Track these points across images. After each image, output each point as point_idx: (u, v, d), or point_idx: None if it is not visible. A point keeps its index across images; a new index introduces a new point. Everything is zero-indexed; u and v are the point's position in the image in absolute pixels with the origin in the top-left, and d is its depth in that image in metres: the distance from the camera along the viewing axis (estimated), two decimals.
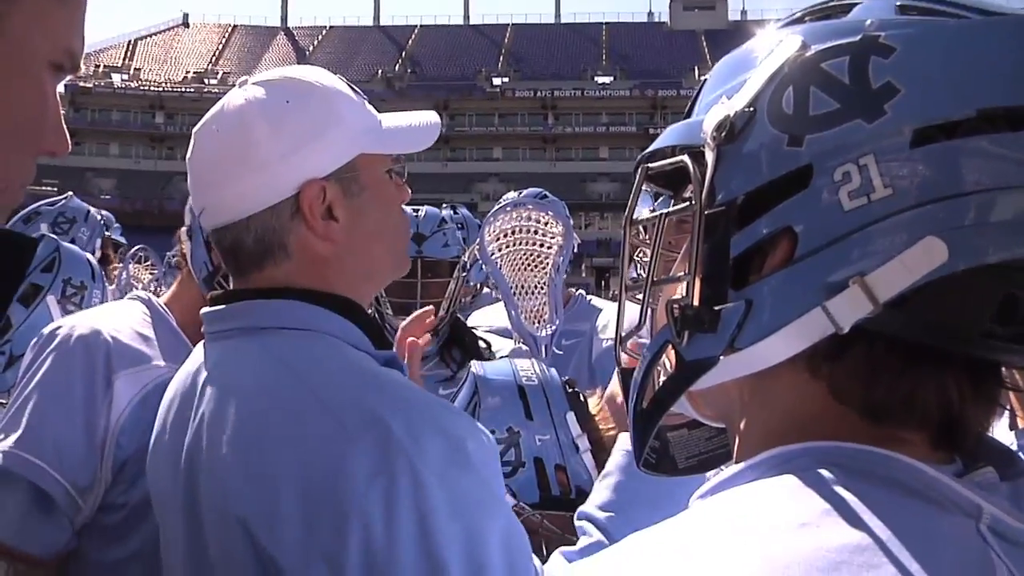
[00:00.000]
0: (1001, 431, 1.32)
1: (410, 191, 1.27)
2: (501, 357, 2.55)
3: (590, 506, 1.23)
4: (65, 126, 0.88)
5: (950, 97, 0.57)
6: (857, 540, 0.54)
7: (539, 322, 2.02)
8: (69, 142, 0.88)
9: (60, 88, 0.88)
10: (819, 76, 0.61)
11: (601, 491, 1.23)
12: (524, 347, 2.11)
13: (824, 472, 0.59)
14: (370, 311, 1.27)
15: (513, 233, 2.09)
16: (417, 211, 2.54)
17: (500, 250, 2.07)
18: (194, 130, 1.20)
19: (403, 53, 74.20)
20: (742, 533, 0.56)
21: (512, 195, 3.46)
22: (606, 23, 78.73)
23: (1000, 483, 0.63)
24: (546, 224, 2.11)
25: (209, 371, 1.11)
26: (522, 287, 2.08)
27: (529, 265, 2.10)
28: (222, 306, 1.16)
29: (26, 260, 0.83)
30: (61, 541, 1.64)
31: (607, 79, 69.15)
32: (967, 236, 0.56)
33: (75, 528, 1.69)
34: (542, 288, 2.06)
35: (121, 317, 1.84)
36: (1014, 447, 1.21)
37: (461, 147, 63.96)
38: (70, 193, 3.64)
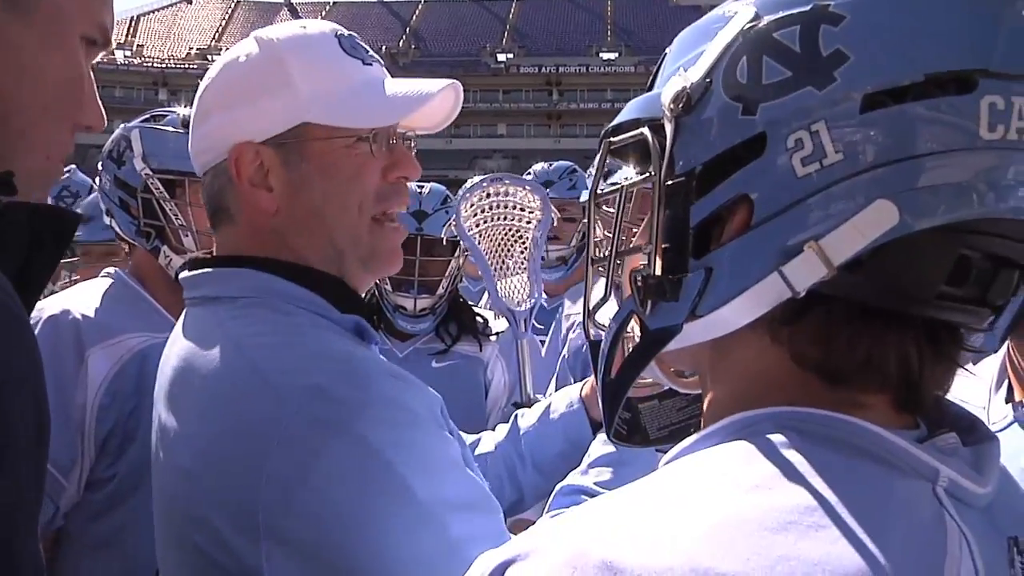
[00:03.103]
0: (998, 404, 1.32)
1: (411, 167, 1.15)
2: (497, 333, 2.56)
3: (588, 480, 1.22)
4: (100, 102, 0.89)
5: (898, 63, 0.58)
6: (808, 501, 0.55)
7: (519, 297, 2.01)
8: (105, 117, 0.90)
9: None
10: (771, 45, 0.62)
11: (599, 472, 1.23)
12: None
13: (781, 436, 0.60)
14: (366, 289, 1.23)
15: (491, 208, 2.09)
16: (421, 188, 2.51)
17: (477, 226, 2.06)
18: None
19: (407, 29, 73.75)
20: (699, 495, 0.58)
21: (541, 167, 3.44)
22: None
23: (962, 447, 0.64)
24: (523, 198, 2.10)
25: (177, 339, 1.12)
26: (501, 262, 2.08)
27: (508, 240, 2.09)
28: (192, 272, 1.15)
29: (69, 233, 0.84)
30: (42, 521, 1.66)
31: (612, 55, 68.71)
32: (916, 198, 0.57)
33: (62, 508, 1.71)
34: (521, 263, 2.05)
35: (92, 294, 1.86)
36: (1008, 420, 1.24)
37: (465, 123, 63.59)
38: (73, 166, 3.64)
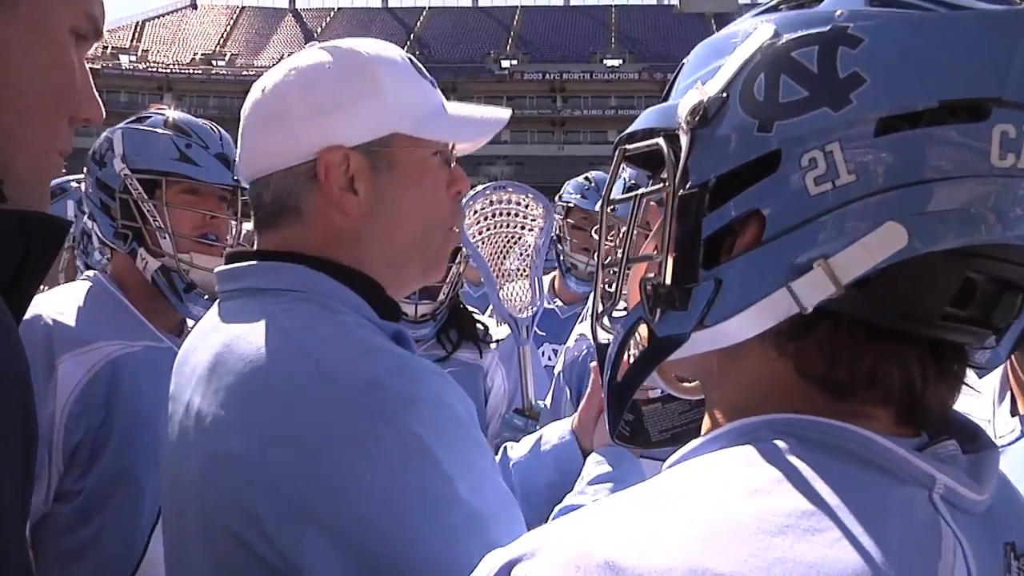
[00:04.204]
0: (1003, 417, 1.32)
1: (466, 183, 1.22)
2: (497, 341, 2.57)
3: (586, 499, 1.22)
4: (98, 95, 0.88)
5: (914, 88, 0.59)
6: (805, 506, 0.57)
7: (521, 304, 2.02)
8: (103, 110, 0.89)
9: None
10: (789, 64, 0.63)
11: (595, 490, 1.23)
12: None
13: (781, 442, 0.62)
14: None
15: (493, 216, 2.09)
16: None
17: (480, 233, 2.07)
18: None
19: (411, 35, 73.92)
20: (700, 498, 0.59)
21: (600, 175, 3.42)
22: (615, 6, 78.24)
23: (961, 455, 0.66)
24: (527, 206, 2.11)
25: (215, 330, 1.11)
26: (503, 269, 2.08)
27: (510, 247, 2.10)
28: (232, 265, 1.16)
29: (59, 241, 0.83)
30: None
31: (616, 62, 68.84)
32: (926, 222, 0.59)
33: (30, 518, 1.69)
34: (523, 270, 2.06)
35: (67, 299, 1.80)
36: (1016, 433, 1.24)
37: None
38: None
